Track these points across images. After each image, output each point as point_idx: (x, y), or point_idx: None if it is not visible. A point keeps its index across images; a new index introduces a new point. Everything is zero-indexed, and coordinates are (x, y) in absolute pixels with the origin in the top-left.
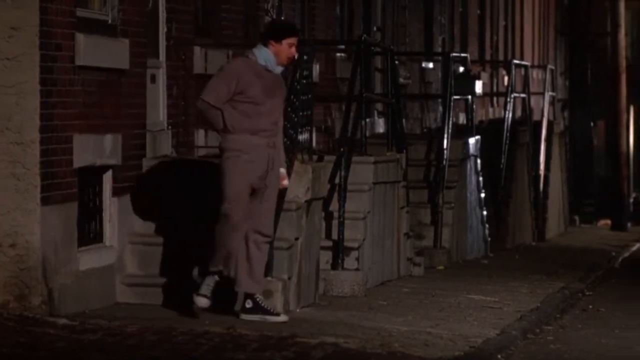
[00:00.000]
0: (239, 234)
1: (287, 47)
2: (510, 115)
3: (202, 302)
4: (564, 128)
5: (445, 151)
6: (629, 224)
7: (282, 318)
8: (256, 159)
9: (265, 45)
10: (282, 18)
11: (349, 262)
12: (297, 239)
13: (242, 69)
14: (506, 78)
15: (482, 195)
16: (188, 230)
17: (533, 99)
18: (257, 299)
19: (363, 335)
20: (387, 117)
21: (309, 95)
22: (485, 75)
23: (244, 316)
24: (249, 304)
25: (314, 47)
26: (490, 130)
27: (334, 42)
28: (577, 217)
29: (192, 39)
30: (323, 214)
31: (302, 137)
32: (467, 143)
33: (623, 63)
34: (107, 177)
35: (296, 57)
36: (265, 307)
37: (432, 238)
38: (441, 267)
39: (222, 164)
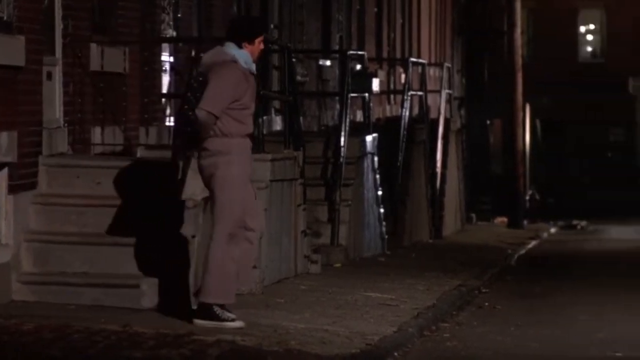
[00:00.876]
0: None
1: (259, 45)
2: (407, 113)
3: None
4: (460, 126)
5: (342, 149)
6: (525, 222)
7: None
8: (250, 162)
9: (239, 46)
10: (252, 14)
11: None
12: (194, 236)
13: (241, 78)
14: (403, 76)
15: (379, 192)
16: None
17: (430, 97)
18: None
19: (260, 333)
20: (284, 115)
21: None
22: (382, 73)
23: (198, 322)
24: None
25: (211, 44)
26: (388, 128)
27: None
28: (473, 215)
29: (89, 36)
30: None
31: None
32: (364, 141)
33: (519, 61)
34: (3, 175)
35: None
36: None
37: (329, 235)
38: (338, 265)
39: (224, 170)
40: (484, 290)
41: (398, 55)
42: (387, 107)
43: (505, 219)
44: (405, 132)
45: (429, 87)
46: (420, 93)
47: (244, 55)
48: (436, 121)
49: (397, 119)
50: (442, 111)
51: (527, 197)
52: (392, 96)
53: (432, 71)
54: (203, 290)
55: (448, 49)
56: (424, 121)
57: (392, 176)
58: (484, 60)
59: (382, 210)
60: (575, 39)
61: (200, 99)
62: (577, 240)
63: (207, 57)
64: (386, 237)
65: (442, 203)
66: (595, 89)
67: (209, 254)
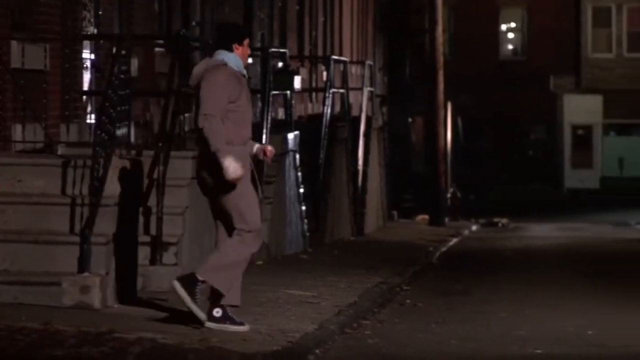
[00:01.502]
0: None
1: (247, 46)
2: (329, 110)
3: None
4: (382, 124)
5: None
6: (446, 219)
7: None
8: (247, 168)
9: (230, 50)
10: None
11: (168, 257)
12: (114, 234)
13: (231, 77)
14: (325, 74)
15: (301, 190)
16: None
17: (352, 95)
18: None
19: (181, 330)
20: None
21: (127, 90)
22: (304, 70)
23: (209, 324)
24: (217, 313)
25: (132, 41)
26: (309, 126)
27: (152, 37)
28: (395, 212)
29: (9, 33)
30: (141, 209)
31: (120, 132)
32: (285, 138)
33: (441, 59)
34: None
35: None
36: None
37: None
38: (260, 263)
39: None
40: (405, 288)
41: (320, 53)
42: (309, 105)
43: (426, 217)
44: (327, 130)
45: (350, 85)
46: (342, 91)
47: (234, 59)
48: (358, 119)
49: (319, 116)
50: (364, 109)
51: (449, 195)
52: (314, 94)
53: (354, 69)
54: (204, 265)
55: (370, 46)
56: (345, 119)
57: (313, 174)
58: (405, 58)
59: (303, 208)
60: (497, 37)
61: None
62: (498, 237)
63: (197, 68)
64: (308, 234)
65: (364, 200)
66: (517, 86)
67: (227, 255)
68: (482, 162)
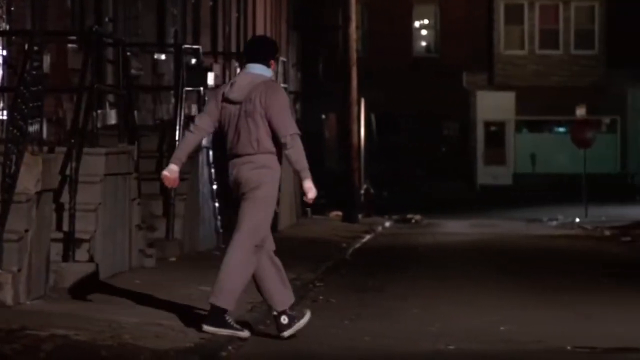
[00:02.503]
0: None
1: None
2: None
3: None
4: (295, 120)
5: (177, 142)
6: (359, 216)
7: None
8: None
9: (267, 65)
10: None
11: (81, 253)
12: (27, 230)
13: None
14: (238, 70)
15: (215, 187)
16: None
17: None
18: (289, 313)
19: (94, 327)
20: (119, 109)
21: (40, 87)
22: (217, 67)
23: (209, 328)
24: (284, 320)
25: (45, 37)
26: None
27: (65, 33)
28: (309, 209)
29: None
30: (54, 206)
31: (33, 128)
32: None
33: (354, 56)
34: None
35: None
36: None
37: (165, 230)
38: (173, 259)
39: (267, 189)
40: (318, 284)
41: (233, 49)
42: None
43: (340, 213)
44: None
45: None
46: None
47: (271, 74)
48: None
49: None
50: None
51: (362, 191)
52: None
53: None
54: (216, 291)
55: (283, 43)
56: None
57: (227, 170)
58: (319, 55)
59: (217, 205)
60: (410, 34)
61: (254, 121)
62: (411, 233)
63: (243, 81)
64: (221, 231)
65: (278, 197)
66: (430, 83)
67: (232, 260)
68: (397, 159)
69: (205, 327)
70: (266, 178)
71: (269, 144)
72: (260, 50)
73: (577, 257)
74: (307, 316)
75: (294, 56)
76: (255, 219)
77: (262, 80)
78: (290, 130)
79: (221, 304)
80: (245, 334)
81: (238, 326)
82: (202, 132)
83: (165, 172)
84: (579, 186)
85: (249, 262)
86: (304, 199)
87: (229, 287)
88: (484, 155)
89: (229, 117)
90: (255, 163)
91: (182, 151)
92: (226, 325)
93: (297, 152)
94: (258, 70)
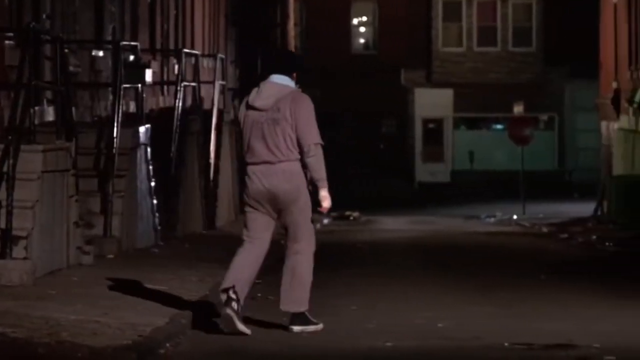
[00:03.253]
0: None
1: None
2: (181, 104)
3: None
4: (234, 117)
5: (115, 140)
6: None
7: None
8: None
9: (291, 77)
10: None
11: (17, 251)
12: None
13: None
14: (177, 67)
15: (153, 184)
16: None
17: (203, 88)
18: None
19: (31, 324)
20: (56, 106)
21: None
22: (155, 64)
23: (297, 328)
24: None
25: None
26: (161, 119)
27: (2, 29)
28: None
29: None
30: None
31: None
32: (137, 132)
33: None
34: None
35: None
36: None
37: (103, 227)
38: (111, 256)
39: (305, 196)
40: (257, 281)
41: (172, 46)
42: (161, 98)
43: None
44: (178, 123)
45: (202, 78)
46: (193, 84)
47: (295, 86)
48: (210, 112)
49: (171, 110)
50: (216, 102)
51: None
52: (165, 87)
53: (205, 62)
54: (296, 301)
55: (222, 40)
56: (197, 112)
57: (165, 167)
58: (257, 52)
59: (155, 202)
60: (349, 31)
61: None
62: (349, 231)
63: (270, 90)
64: (159, 228)
65: (216, 194)
66: (369, 80)
67: (300, 269)
68: (336, 156)
69: (295, 328)
70: (301, 186)
71: (296, 152)
72: (287, 62)
73: (515, 254)
74: (321, 326)
75: (232, 53)
76: (308, 225)
77: (290, 90)
78: (314, 140)
79: (302, 309)
80: (321, 326)
81: (315, 320)
82: None
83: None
84: (516, 183)
85: (311, 265)
86: (318, 208)
87: (304, 294)
88: (423, 152)
89: (252, 124)
90: (288, 171)
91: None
92: (309, 322)
93: (318, 160)
94: (284, 81)
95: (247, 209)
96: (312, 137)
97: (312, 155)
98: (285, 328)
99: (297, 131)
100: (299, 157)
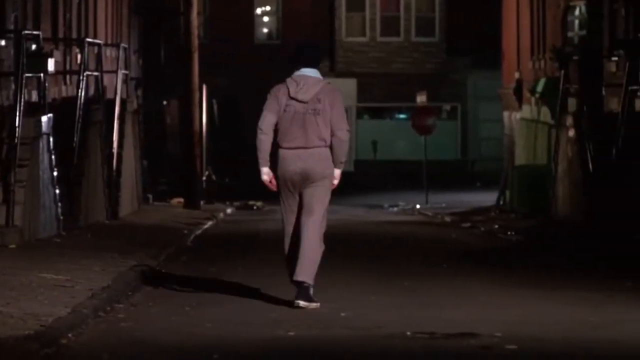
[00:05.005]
0: None
1: None
2: (83, 93)
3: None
4: (137, 106)
5: (17, 129)
6: (201, 202)
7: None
8: None
9: (319, 68)
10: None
11: None
12: None
13: None
14: (79, 56)
15: (55, 173)
16: None
17: (106, 77)
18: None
19: None
20: None
21: None
22: (58, 53)
23: (302, 303)
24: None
25: None
26: (64, 109)
27: None
28: (150, 195)
29: None
30: None
31: None
32: (39, 121)
33: (196, 42)
34: None
35: None
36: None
37: (4, 216)
38: (13, 246)
39: (330, 178)
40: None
41: (74, 35)
42: (64, 88)
43: (182, 200)
44: (81, 113)
45: (105, 68)
46: (96, 73)
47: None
48: (113, 102)
49: (73, 99)
50: (119, 92)
51: (204, 178)
52: (68, 76)
53: (108, 51)
54: (303, 270)
55: (125, 29)
56: (100, 102)
57: (68, 157)
58: (161, 41)
59: (57, 191)
60: (252, 21)
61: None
62: (252, 220)
63: (309, 83)
64: (62, 218)
65: (119, 184)
66: (273, 70)
67: (312, 242)
68: (239, 145)
69: (302, 303)
70: (330, 169)
71: (328, 140)
72: (316, 55)
73: (418, 243)
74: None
75: (135, 42)
76: (325, 203)
77: (325, 83)
78: (346, 127)
79: (309, 280)
80: (318, 304)
81: (315, 299)
82: (271, 130)
83: (265, 177)
84: (419, 173)
85: (321, 240)
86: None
87: (313, 265)
88: None
89: (293, 114)
90: (322, 155)
91: (265, 153)
92: (313, 300)
93: (345, 145)
94: (317, 74)
95: (282, 197)
96: (345, 124)
97: (345, 140)
98: (179, 315)
99: (333, 119)
100: (329, 144)
